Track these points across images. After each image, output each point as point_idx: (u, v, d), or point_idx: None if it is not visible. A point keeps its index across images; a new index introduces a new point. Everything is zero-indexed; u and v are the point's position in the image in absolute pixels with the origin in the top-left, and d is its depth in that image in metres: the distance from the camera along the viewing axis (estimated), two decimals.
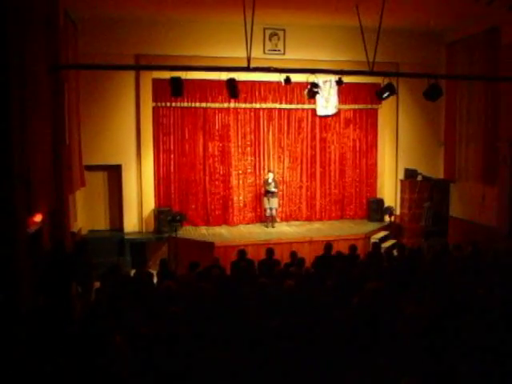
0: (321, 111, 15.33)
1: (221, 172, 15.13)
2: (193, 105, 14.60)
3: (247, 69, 9.90)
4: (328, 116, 15.52)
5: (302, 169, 15.79)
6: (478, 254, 9.79)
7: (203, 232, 14.30)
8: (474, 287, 7.32)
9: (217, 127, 14.99)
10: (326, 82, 14.45)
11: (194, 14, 12.99)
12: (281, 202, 15.35)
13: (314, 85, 11.79)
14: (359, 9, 10.80)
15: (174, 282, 8.14)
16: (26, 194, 7.10)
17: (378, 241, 13.28)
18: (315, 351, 5.25)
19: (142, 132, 14.01)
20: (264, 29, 14.05)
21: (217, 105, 14.77)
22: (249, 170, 15.32)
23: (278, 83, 12.51)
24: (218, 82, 12.09)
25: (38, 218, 8.04)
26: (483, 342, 5.40)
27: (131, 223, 14.13)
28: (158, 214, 13.88)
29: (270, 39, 14.28)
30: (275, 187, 14.49)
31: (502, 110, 12.47)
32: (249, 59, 9.78)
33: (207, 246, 12.89)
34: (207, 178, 14.99)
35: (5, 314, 6.24)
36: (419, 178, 14.82)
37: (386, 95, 11.56)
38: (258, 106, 15.14)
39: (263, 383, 4.88)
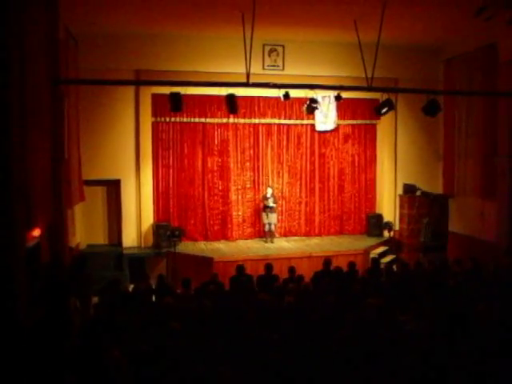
0: (320, 127, 15.37)
1: (220, 187, 15.12)
2: (192, 120, 14.63)
3: (246, 84, 9.93)
4: (327, 131, 15.55)
5: (301, 184, 15.78)
6: (477, 269, 9.76)
7: (202, 247, 14.26)
8: (474, 302, 7.29)
9: (216, 142, 15.01)
10: (324, 97, 14.49)
11: (194, 29, 13.08)
12: (280, 217, 15.34)
13: (313, 100, 11.84)
14: (358, 25, 10.85)
15: (172, 297, 8.12)
16: (25, 208, 7.08)
17: (377, 256, 13.25)
18: (315, 367, 5.21)
19: (141, 147, 14.03)
20: (263, 45, 14.13)
21: (216, 120, 14.79)
22: (248, 186, 15.32)
23: (277, 99, 12.54)
24: (218, 97, 12.15)
25: (37, 232, 8.01)
26: (484, 357, 5.37)
27: (130, 238, 14.08)
28: (157, 228, 13.85)
29: (269, 55, 14.36)
30: (274, 202, 14.49)
31: (500, 125, 12.50)
32: (248, 75, 9.82)
33: (206, 262, 12.84)
34: (206, 193, 14.98)
35: (3, 327, 6.19)
36: (418, 193, 14.82)
37: (384, 111, 11.61)
38: (257, 121, 15.17)
39: None
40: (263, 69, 14.18)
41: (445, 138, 15.13)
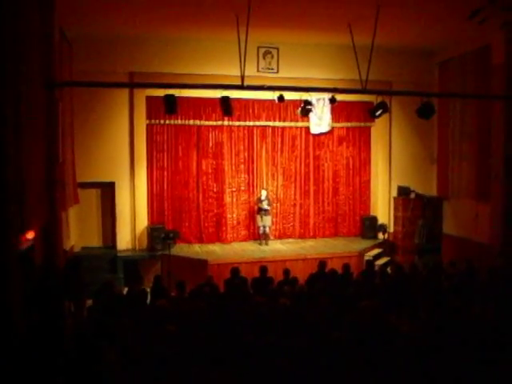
0: (314, 129, 15.37)
1: (214, 189, 15.12)
2: (186, 122, 14.63)
3: (241, 87, 9.93)
4: (321, 134, 15.56)
5: (295, 186, 15.80)
6: (472, 271, 9.79)
7: (197, 249, 14.25)
8: (468, 304, 7.31)
9: (210, 145, 15.02)
10: (319, 100, 14.51)
11: (188, 32, 13.07)
12: (274, 219, 15.34)
13: (308, 103, 11.88)
14: (352, 28, 10.88)
15: (167, 300, 8.10)
16: (19, 210, 7.06)
17: (371, 258, 13.27)
18: (310, 370, 5.21)
19: (135, 149, 14.01)
20: (258, 47, 14.14)
21: (210, 122, 14.80)
22: (242, 188, 15.32)
23: (272, 101, 12.60)
24: (212, 99, 12.18)
25: (31, 235, 7.98)
26: (478, 359, 5.38)
27: (124, 240, 14.05)
28: (152, 231, 13.83)
29: (263, 57, 14.37)
30: (268, 205, 14.49)
31: (493, 128, 12.55)
32: (242, 77, 9.82)
33: (201, 264, 12.83)
34: (201, 195, 14.98)
35: None
36: (412, 195, 14.87)
37: (378, 113, 11.63)
38: (251, 123, 15.18)
39: None
40: (258, 71, 14.19)
41: (439, 141, 15.18)
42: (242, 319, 6.93)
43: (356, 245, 14.87)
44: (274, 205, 15.31)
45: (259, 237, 14.78)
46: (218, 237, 15.15)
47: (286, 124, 15.46)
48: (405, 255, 14.47)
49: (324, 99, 14.38)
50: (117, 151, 13.87)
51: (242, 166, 15.34)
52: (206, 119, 14.74)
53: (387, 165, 15.73)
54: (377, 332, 6.18)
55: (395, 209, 15.26)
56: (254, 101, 14.90)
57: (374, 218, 15.76)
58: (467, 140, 13.71)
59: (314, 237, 15.82)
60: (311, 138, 15.71)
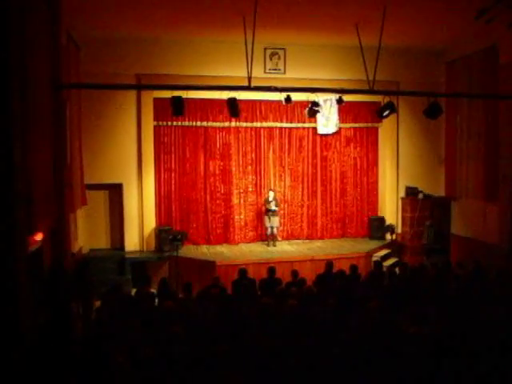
0: (321, 130, 15.36)
1: (222, 191, 15.13)
2: (194, 124, 14.65)
3: (248, 88, 9.95)
4: (329, 134, 15.54)
5: (303, 187, 15.78)
6: (480, 272, 9.75)
7: (204, 251, 14.25)
8: (476, 305, 7.28)
9: (218, 146, 15.03)
10: (326, 100, 14.50)
11: (195, 33, 13.09)
12: (282, 220, 15.32)
13: (315, 104, 11.86)
14: (359, 28, 10.88)
15: (174, 302, 8.12)
16: (27, 212, 7.08)
17: (379, 259, 13.23)
18: (318, 371, 5.20)
19: (143, 151, 14.03)
20: (264, 48, 14.14)
21: (218, 124, 14.81)
22: (250, 189, 15.32)
23: (279, 102, 12.55)
24: (219, 101, 12.16)
25: (39, 236, 8.01)
26: (487, 359, 5.36)
27: (132, 242, 14.08)
28: (159, 232, 13.85)
29: (270, 58, 14.37)
30: (276, 206, 14.47)
31: (501, 128, 12.49)
32: (249, 78, 9.84)
33: (208, 265, 12.84)
34: (208, 196, 14.99)
35: (5, 332, 6.19)
36: (420, 195, 14.83)
37: (386, 113, 11.61)
38: (258, 124, 15.19)
39: None
40: (265, 72, 14.19)
41: (446, 141, 15.10)
42: (249, 320, 6.93)
43: (364, 245, 14.84)
44: (282, 206, 15.30)
45: (267, 238, 14.76)
46: (225, 238, 15.15)
47: (293, 125, 15.45)
48: (413, 256, 14.42)
49: (331, 100, 14.37)
50: (124, 153, 13.91)
51: (250, 167, 15.34)
52: (213, 120, 14.75)
53: (395, 165, 15.68)
54: (385, 333, 6.17)
55: (403, 209, 15.22)
56: (261, 102, 14.90)
57: (382, 219, 15.71)
58: (475, 140, 13.63)
59: (322, 238, 15.79)
60: (318, 138, 15.69)
